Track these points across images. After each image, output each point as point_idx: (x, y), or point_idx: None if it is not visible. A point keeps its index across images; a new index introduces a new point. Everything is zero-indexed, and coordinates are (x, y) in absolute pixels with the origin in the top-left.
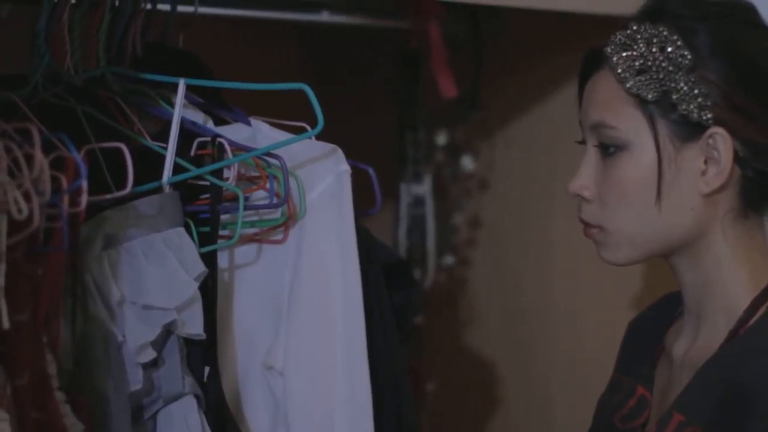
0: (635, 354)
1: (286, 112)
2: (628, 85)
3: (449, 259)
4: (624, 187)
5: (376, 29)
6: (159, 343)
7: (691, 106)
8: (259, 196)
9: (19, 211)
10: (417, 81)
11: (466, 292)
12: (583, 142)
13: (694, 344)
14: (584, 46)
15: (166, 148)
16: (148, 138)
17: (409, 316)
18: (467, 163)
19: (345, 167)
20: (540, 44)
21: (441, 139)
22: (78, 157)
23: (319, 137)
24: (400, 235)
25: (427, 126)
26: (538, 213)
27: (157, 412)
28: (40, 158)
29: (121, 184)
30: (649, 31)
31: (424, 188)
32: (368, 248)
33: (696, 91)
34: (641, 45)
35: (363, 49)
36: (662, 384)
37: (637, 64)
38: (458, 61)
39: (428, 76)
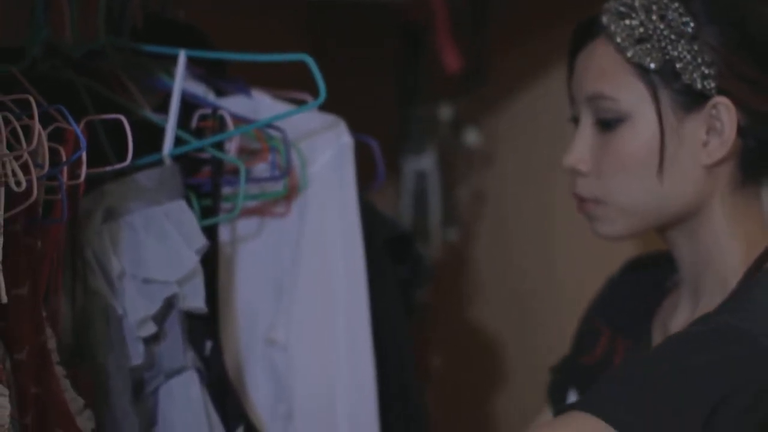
0: (628, 313)
1: (289, 86)
2: (629, 54)
3: (453, 234)
4: (624, 159)
5: (379, 3)
6: (160, 317)
7: (695, 75)
8: (261, 168)
9: (18, 183)
10: (420, 55)
11: (470, 267)
12: (575, 119)
13: (691, 321)
14: None
15: (166, 121)
16: (149, 110)
17: (413, 289)
18: (471, 137)
19: (347, 139)
20: (545, 17)
21: (445, 113)
22: (77, 129)
23: (321, 112)
24: (403, 210)
25: (430, 100)
26: (542, 187)
27: (158, 386)
28: (39, 129)
29: (122, 156)
30: None
31: (427, 162)
32: (371, 221)
33: (699, 60)
34: (640, 13)
35: (366, 23)
36: None
37: (637, 32)
38: (462, 34)
39: (432, 50)
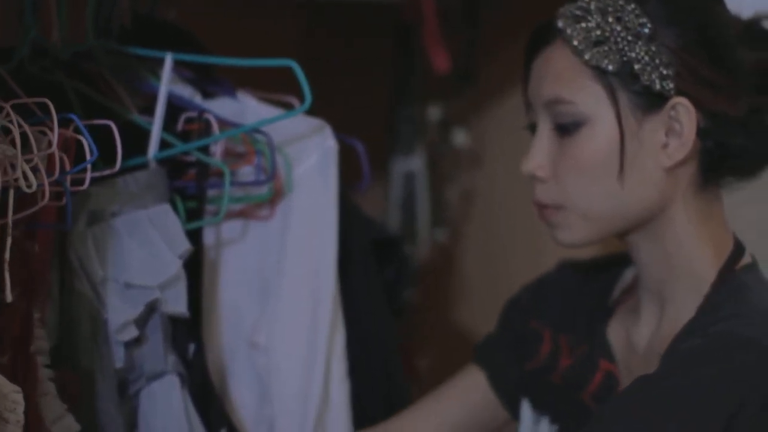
0: (570, 315)
1: (278, 86)
2: (586, 57)
3: (441, 234)
4: (584, 163)
5: (370, 3)
6: (142, 321)
7: (653, 76)
8: (246, 171)
9: (29, 186)
10: (411, 55)
11: (458, 267)
12: (532, 127)
13: (658, 331)
14: None
15: (152, 123)
16: (136, 112)
17: (399, 291)
18: (460, 137)
19: (332, 143)
20: (535, 19)
21: (434, 113)
22: (90, 141)
23: (311, 112)
24: (391, 210)
25: (420, 100)
26: (530, 188)
27: (139, 390)
28: (53, 136)
29: (107, 159)
30: (603, 0)
31: (417, 163)
32: (357, 224)
33: (657, 61)
34: (596, 15)
35: (356, 23)
36: (627, 370)
37: (593, 35)
38: (453, 34)
39: (422, 50)
